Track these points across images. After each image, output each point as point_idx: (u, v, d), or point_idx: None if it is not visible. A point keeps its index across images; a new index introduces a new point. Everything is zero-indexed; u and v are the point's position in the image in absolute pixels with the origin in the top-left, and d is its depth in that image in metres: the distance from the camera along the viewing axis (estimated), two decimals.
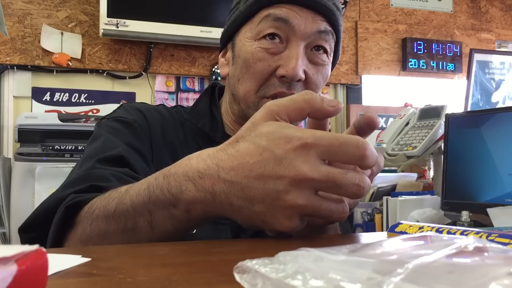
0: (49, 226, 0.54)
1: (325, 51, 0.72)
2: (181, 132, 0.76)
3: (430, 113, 1.95)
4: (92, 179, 0.57)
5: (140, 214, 0.47)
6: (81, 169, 0.62)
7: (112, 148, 0.64)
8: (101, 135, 0.68)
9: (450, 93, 3.19)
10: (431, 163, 1.99)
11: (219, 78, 2.77)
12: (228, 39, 0.78)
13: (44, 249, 0.22)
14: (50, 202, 0.57)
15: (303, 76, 0.69)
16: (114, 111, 0.76)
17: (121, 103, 2.67)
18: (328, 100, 0.42)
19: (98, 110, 2.61)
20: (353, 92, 3.12)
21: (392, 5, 3.21)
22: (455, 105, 2.41)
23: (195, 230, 0.64)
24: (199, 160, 0.44)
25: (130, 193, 0.49)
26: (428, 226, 0.43)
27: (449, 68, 3.21)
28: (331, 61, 0.76)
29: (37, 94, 2.54)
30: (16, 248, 0.21)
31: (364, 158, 0.38)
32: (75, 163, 0.68)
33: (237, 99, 0.74)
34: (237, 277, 0.25)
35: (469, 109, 2.37)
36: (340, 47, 0.79)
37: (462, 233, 0.39)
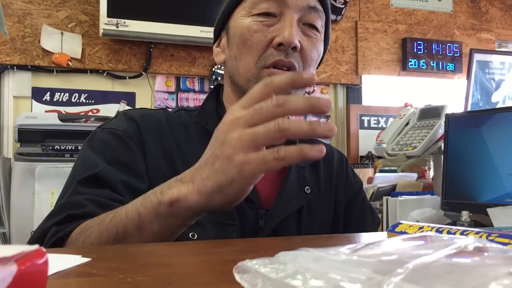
0: None
1: (316, 29, 0.75)
2: (181, 136, 0.76)
3: (430, 113, 1.96)
4: (68, 208, 0.64)
5: (131, 219, 0.54)
6: (65, 196, 0.67)
7: (91, 168, 0.67)
8: (85, 152, 0.72)
9: (450, 93, 3.19)
10: (431, 163, 1.99)
11: (219, 78, 2.77)
12: (221, 27, 0.79)
13: (44, 249, 0.22)
14: (36, 235, 0.64)
15: (298, 44, 0.71)
16: (112, 119, 0.77)
17: (120, 103, 2.65)
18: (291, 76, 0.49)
19: (98, 110, 2.61)
20: (353, 92, 3.12)
21: (392, 5, 3.21)
22: (455, 105, 2.41)
23: (195, 236, 0.66)
24: (182, 173, 0.55)
25: (127, 205, 0.57)
26: (428, 226, 0.43)
27: (449, 68, 3.20)
28: (323, 40, 0.78)
29: (37, 94, 2.54)
30: (16, 248, 0.21)
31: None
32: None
33: (236, 78, 0.75)
34: (237, 277, 0.25)
35: (469, 109, 2.37)
36: (330, 29, 0.81)
37: (462, 233, 0.39)
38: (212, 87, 2.69)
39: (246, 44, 0.72)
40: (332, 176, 0.85)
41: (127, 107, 2.64)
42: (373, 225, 0.87)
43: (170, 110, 0.82)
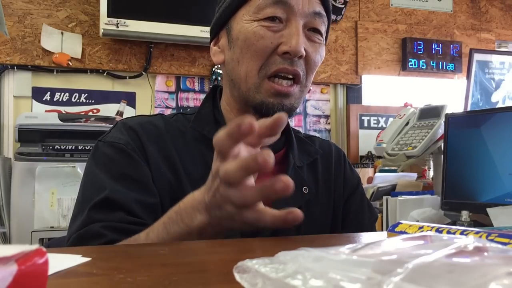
0: None
1: (320, 33, 0.75)
2: (180, 142, 0.75)
3: (430, 113, 1.96)
4: (87, 239, 0.64)
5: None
6: (79, 220, 0.67)
7: (100, 190, 0.67)
8: (92, 170, 0.71)
9: (450, 93, 3.19)
10: (431, 163, 1.99)
11: (219, 78, 2.77)
12: (221, 26, 0.78)
13: (44, 249, 0.22)
14: None
15: (304, 52, 0.71)
16: (110, 130, 0.76)
17: (120, 102, 2.64)
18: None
19: (98, 110, 2.61)
20: (353, 92, 3.12)
21: (392, 5, 3.21)
22: (455, 105, 2.40)
23: None
24: (199, 194, 0.56)
25: (150, 236, 0.59)
26: (428, 226, 0.43)
27: (449, 68, 3.20)
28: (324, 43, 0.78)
29: (37, 94, 2.53)
30: (16, 248, 0.21)
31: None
32: (77, 192, 0.72)
33: (237, 82, 0.74)
34: (237, 277, 0.25)
35: (469, 109, 2.37)
36: (329, 28, 0.81)
37: (462, 233, 0.39)
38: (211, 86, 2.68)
39: (251, 49, 0.71)
40: (330, 173, 0.85)
41: (127, 107, 2.64)
42: (370, 220, 0.87)
43: (167, 114, 0.82)
